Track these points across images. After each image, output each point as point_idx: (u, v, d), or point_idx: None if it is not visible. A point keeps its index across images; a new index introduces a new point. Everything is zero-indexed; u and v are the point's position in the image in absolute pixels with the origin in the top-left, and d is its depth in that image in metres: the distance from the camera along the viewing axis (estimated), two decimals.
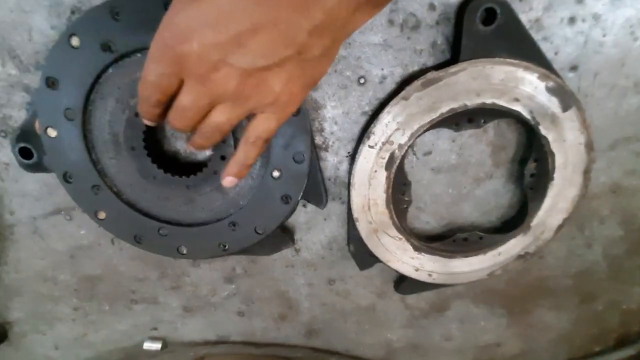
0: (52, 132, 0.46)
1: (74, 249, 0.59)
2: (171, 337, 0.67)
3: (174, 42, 0.30)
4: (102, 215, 0.50)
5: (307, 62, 0.32)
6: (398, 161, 0.50)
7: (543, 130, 0.49)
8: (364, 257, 0.57)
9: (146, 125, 0.46)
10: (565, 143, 0.50)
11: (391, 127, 0.48)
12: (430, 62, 0.48)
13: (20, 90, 0.48)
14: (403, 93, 0.46)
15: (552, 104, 0.48)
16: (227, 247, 0.52)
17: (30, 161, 0.49)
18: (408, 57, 0.48)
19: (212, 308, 0.65)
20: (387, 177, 0.51)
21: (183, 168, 0.50)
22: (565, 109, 0.48)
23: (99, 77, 0.44)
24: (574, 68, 0.50)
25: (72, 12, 0.45)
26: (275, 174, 0.48)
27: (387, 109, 0.47)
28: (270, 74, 0.32)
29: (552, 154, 0.50)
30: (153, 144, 0.51)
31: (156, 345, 0.66)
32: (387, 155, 0.50)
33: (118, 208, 0.50)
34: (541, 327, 0.71)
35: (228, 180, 0.40)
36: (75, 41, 0.42)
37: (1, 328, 0.65)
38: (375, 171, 0.50)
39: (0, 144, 0.51)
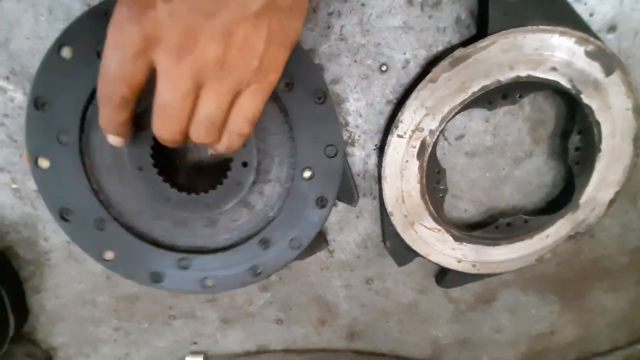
0: (43, 162, 0.39)
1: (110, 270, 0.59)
2: (212, 351, 0.66)
3: (135, 12, 0.26)
4: (109, 255, 0.43)
5: (282, 13, 0.29)
6: (430, 148, 0.47)
7: (585, 99, 0.45)
8: (402, 252, 0.54)
9: (154, 139, 0.39)
10: (611, 110, 0.46)
11: (420, 113, 0.46)
12: (455, 40, 0.45)
13: None
14: (430, 75, 0.44)
15: (594, 69, 0.44)
16: (260, 271, 0.45)
17: None
18: (431, 37, 0.45)
19: (250, 318, 0.64)
20: (420, 167, 0.48)
21: (200, 184, 0.44)
22: (608, 73, 0.44)
23: (95, 90, 0.36)
24: (612, 29, 0.46)
25: None
26: (306, 174, 0.43)
27: (414, 95, 0.45)
28: (250, 31, 0.28)
29: (598, 124, 0.47)
30: (163, 160, 0.44)
31: None
32: (417, 144, 0.47)
33: (128, 243, 0.42)
34: (598, 310, 0.66)
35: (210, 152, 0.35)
36: (66, 52, 0.37)
37: (47, 354, 0.66)
38: (407, 161, 0.48)
39: (29, 172, 0.51)
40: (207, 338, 0.65)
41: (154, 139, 0.38)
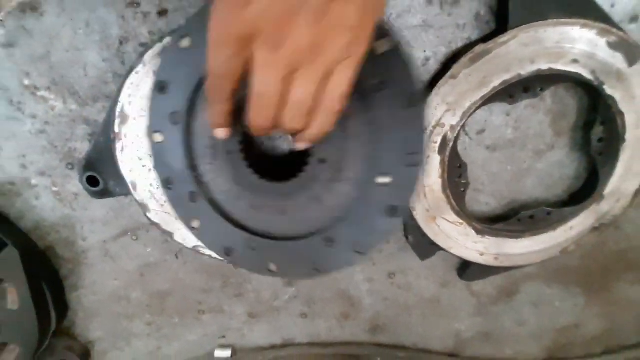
0: (158, 137, 0.44)
1: (143, 267, 0.62)
2: (239, 344, 0.69)
3: (234, 9, 0.27)
4: (195, 224, 0.47)
5: None
6: (451, 143, 0.48)
7: (608, 90, 0.45)
8: (424, 246, 0.55)
9: (244, 127, 0.40)
10: (636, 100, 0.46)
11: (441, 109, 0.46)
12: (475, 36, 0.46)
13: (82, 124, 0.51)
14: (451, 72, 0.45)
15: (616, 60, 0.44)
16: (318, 268, 0.45)
17: (97, 188, 0.52)
18: (451, 34, 0.46)
19: (276, 312, 0.66)
20: (442, 162, 0.49)
21: (280, 173, 0.45)
22: (631, 63, 0.44)
23: (201, 80, 0.41)
24: (634, 19, 0.46)
25: (120, 43, 0.47)
26: (383, 180, 0.40)
27: (434, 91, 0.46)
28: (344, 5, 0.27)
29: (622, 114, 0.47)
30: (250, 147, 0.47)
31: (226, 353, 0.68)
32: (439, 139, 0.48)
33: (211, 217, 0.46)
34: (624, 303, 0.65)
35: (298, 145, 0.35)
36: (186, 42, 0.40)
37: (84, 348, 0.70)
38: (428, 157, 0.49)
39: (68, 175, 0.55)
40: (235, 332, 0.68)
41: (244, 127, 0.38)
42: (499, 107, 0.50)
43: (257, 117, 0.31)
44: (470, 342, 0.68)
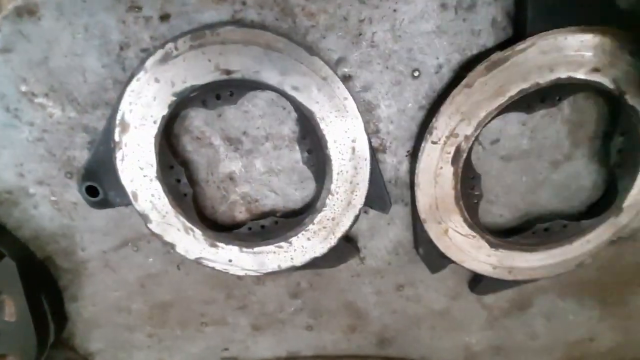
0: None
1: (144, 278, 0.60)
2: (243, 356, 0.67)
3: None
4: None
5: None
6: (465, 154, 0.46)
7: (630, 99, 0.44)
8: (435, 259, 0.53)
9: None
10: None
11: (455, 119, 0.45)
12: (490, 43, 0.44)
13: (81, 131, 0.50)
14: (466, 80, 0.43)
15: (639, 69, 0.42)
16: None
17: (97, 198, 0.51)
18: (465, 40, 0.44)
19: (280, 324, 0.64)
20: (455, 173, 0.47)
21: None
22: None
23: None
24: None
25: (121, 48, 0.45)
26: None
27: (448, 100, 0.44)
28: None
29: None
30: None
31: None
32: (452, 150, 0.46)
33: None
34: None
35: None
36: None
37: (84, 359, 0.68)
38: (441, 168, 0.47)
39: (67, 184, 0.53)
40: (238, 344, 0.66)
41: None
42: (514, 116, 0.48)
43: None
44: (481, 356, 0.66)
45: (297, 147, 0.50)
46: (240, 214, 0.55)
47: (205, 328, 0.64)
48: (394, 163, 0.51)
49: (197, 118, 0.49)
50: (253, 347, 0.66)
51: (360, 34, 0.44)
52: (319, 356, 0.67)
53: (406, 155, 0.50)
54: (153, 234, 0.51)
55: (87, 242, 0.57)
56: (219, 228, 0.55)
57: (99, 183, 0.50)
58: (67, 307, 0.62)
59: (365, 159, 0.47)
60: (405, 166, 0.51)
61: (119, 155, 0.47)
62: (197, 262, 0.53)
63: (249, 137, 0.50)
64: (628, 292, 0.61)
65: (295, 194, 0.53)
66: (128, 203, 0.50)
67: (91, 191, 0.50)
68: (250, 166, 0.52)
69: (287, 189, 0.53)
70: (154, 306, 0.62)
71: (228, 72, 0.43)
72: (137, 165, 0.48)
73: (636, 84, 0.43)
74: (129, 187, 0.49)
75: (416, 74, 0.46)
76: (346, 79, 0.46)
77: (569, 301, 0.61)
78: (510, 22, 0.43)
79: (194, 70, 0.43)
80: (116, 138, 0.46)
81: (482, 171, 0.51)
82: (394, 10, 0.43)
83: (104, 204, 0.51)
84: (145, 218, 0.50)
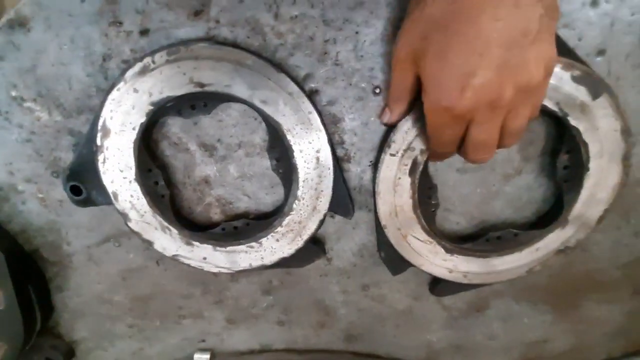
0: None
1: (125, 272, 0.64)
2: (218, 348, 0.71)
3: (451, 101, 0.34)
4: None
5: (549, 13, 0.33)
6: (421, 166, 0.50)
7: (573, 121, 0.47)
8: (396, 262, 0.57)
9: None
10: (599, 131, 0.48)
11: (411, 134, 0.48)
12: None
13: (66, 134, 0.53)
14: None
15: (580, 93, 0.46)
16: None
17: (80, 197, 0.54)
18: None
19: (254, 319, 0.68)
20: (412, 183, 0.51)
21: None
22: (595, 96, 0.46)
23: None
24: (601, 52, 0.47)
25: (104, 59, 0.49)
26: None
27: (406, 117, 0.47)
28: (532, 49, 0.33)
29: (585, 144, 0.48)
30: None
31: (205, 357, 0.70)
32: (409, 162, 0.50)
33: None
34: (592, 321, 0.67)
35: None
36: None
37: (69, 347, 0.72)
38: (399, 178, 0.51)
39: (53, 183, 0.57)
40: (214, 337, 0.70)
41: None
42: None
43: (475, 157, 0.40)
44: (442, 353, 0.70)
45: (267, 155, 0.53)
46: (216, 215, 0.59)
47: (183, 320, 0.68)
48: (358, 172, 0.54)
49: (174, 125, 0.53)
50: (228, 339, 0.70)
51: (326, 53, 0.48)
52: (290, 349, 0.70)
53: (369, 165, 0.54)
54: (132, 231, 0.55)
55: (72, 237, 0.61)
56: (196, 228, 0.59)
57: (83, 183, 0.54)
58: (53, 298, 0.66)
59: (329, 168, 0.51)
60: (368, 175, 0.54)
61: (100, 158, 0.51)
62: (174, 259, 0.57)
63: (223, 144, 0.54)
64: (579, 299, 0.65)
65: (266, 198, 0.57)
66: (109, 202, 0.54)
67: (75, 190, 0.54)
68: (225, 171, 0.55)
69: (258, 193, 0.57)
70: (135, 299, 0.66)
71: (201, 85, 0.47)
72: (117, 168, 0.52)
73: (577, 107, 0.46)
74: (110, 188, 0.53)
75: (377, 90, 0.49)
76: (313, 93, 0.50)
77: (523, 305, 0.65)
78: None
79: (170, 82, 0.47)
80: (98, 142, 0.50)
81: (439, 181, 0.54)
82: (356, 33, 0.47)
83: (87, 202, 0.55)
84: (125, 217, 0.54)
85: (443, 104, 0.35)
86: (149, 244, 0.56)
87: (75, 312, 0.68)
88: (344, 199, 0.53)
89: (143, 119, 0.49)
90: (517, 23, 0.32)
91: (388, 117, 0.47)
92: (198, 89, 0.47)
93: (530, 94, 0.35)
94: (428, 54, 0.35)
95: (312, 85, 0.49)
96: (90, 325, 0.69)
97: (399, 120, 0.47)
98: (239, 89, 0.47)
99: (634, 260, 0.61)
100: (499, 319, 0.66)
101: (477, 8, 0.31)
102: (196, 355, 0.70)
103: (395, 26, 0.46)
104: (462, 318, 0.66)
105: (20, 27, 0.47)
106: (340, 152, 0.53)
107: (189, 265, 0.58)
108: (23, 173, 0.56)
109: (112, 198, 0.53)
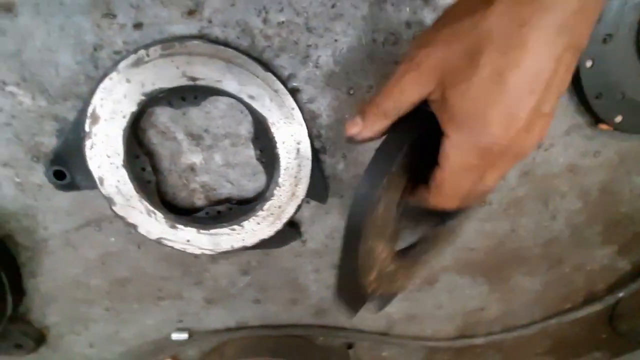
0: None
1: (104, 256, 0.65)
2: (196, 327, 0.75)
3: (495, 139, 0.28)
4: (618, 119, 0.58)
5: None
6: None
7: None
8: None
9: None
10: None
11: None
12: None
13: (50, 120, 0.54)
14: None
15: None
16: None
17: (64, 181, 0.56)
18: (390, 68, 0.55)
19: (232, 298, 0.73)
20: None
21: None
22: None
23: None
24: None
25: (95, 49, 0.50)
26: None
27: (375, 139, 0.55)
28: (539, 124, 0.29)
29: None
30: None
31: (183, 336, 0.74)
32: None
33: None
34: (518, 291, 0.81)
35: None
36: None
37: (39, 333, 0.72)
38: None
39: (33, 167, 0.57)
40: (192, 316, 0.74)
41: None
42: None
43: (442, 202, 0.35)
44: (399, 323, 0.81)
45: (252, 146, 0.59)
46: (199, 201, 0.63)
47: (162, 302, 0.71)
48: (333, 163, 0.61)
49: (163, 115, 0.56)
50: (205, 319, 0.74)
51: (308, 56, 0.54)
52: (264, 326, 0.77)
53: (342, 157, 0.61)
54: (117, 215, 0.57)
55: (49, 222, 0.61)
56: (180, 212, 0.62)
57: (67, 167, 0.55)
58: (26, 283, 0.66)
59: (308, 159, 0.57)
60: (342, 165, 0.62)
61: (88, 144, 0.53)
62: (158, 242, 0.60)
63: (210, 134, 0.58)
64: (509, 272, 0.78)
65: (249, 185, 0.62)
66: (94, 187, 0.55)
67: (59, 175, 0.55)
68: (210, 159, 0.60)
69: (241, 180, 0.62)
70: (113, 282, 0.68)
71: (194, 79, 0.51)
72: (105, 154, 0.54)
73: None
74: (96, 173, 0.55)
75: (351, 91, 0.57)
76: (295, 91, 0.56)
77: (465, 278, 0.77)
78: None
79: (163, 75, 0.50)
80: (87, 129, 0.52)
81: None
82: (335, 40, 0.53)
83: (70, 187, 0.56)
84: (110, 201, 0.56)
85: (484, 141, 0.28)
86: (133, 227, 0.59)
87: (48, 297, 0.68)
88: (320, 187, 0.60)
89: (134, 108, 0.51)
90: (565, 76, 0.28)
91: (357, 131, 0.37)
92: (190, 83, 0.51)
93: (525, 154, 0.30)
94: (474, 78, 0.28)
95: (295, 84, 0.55)
96: (63, 310, 0.70)
97: (369, 141, 0.37)
98: (229, 84, 0.51)
99: (551, 238, 0.75)
100: (446, 290, 0.77)
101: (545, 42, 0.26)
102: (174, 335, 0.74)
103: (370, 38, 0.53)
104: (417, 291, 0.77)
105: (5, 11, 0.47)
106: (317, 144, 0.60)
107: (172, 247, 0.61)
108: (0, 157, 0.55)
109: (98, 183, 0.55)
